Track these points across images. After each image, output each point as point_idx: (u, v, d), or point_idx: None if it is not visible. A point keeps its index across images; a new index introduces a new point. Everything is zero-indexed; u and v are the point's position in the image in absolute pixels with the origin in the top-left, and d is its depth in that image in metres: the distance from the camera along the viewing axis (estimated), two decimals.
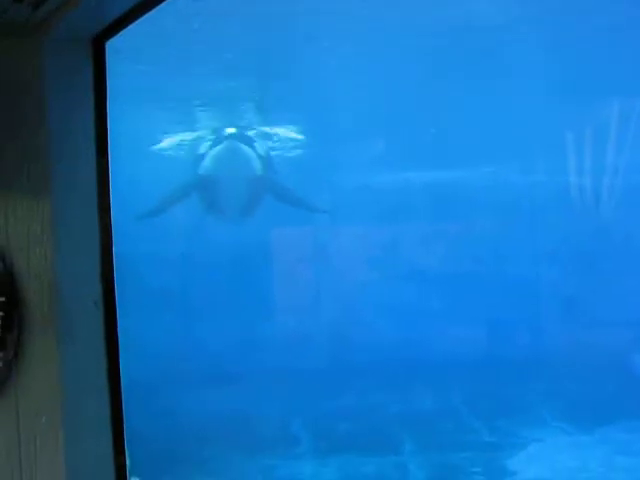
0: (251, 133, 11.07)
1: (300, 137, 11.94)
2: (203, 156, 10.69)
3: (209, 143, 10.90)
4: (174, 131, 11.75)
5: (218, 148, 10.57)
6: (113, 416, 1.41)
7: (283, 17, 7.90)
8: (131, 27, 1.43)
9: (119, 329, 1.42)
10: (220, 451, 7.78)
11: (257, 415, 8.71)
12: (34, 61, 1.30)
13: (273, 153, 11.36)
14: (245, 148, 10.60)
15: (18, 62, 1.29)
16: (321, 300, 11.45)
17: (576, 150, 11.81)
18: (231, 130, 10.79)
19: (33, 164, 1.31)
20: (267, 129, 11.40)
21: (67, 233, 1.35)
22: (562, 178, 12.13)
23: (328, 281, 11.51)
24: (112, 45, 1.50)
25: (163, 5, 1.36)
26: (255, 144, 10.70)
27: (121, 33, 1.50)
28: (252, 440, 8.09)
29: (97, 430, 1.40)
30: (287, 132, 11.69)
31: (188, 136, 11.71)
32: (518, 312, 11.39)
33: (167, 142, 11.96)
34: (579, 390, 9.55)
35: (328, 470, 7.44)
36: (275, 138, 11.62)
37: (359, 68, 9.34)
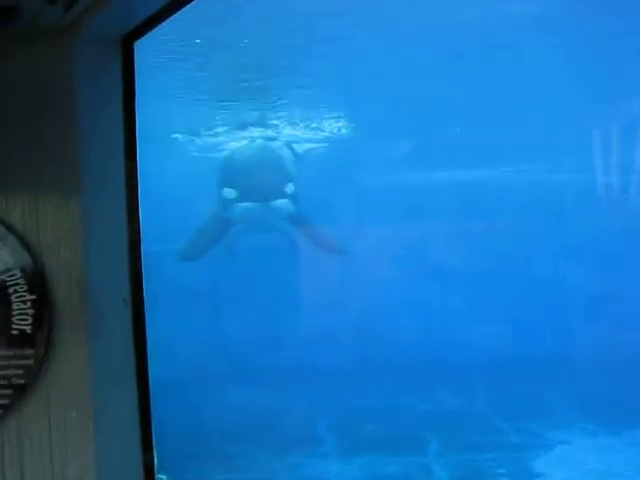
0: (280, 131, 10.98)
1: (325, 135, 11.94)
2: (232, 157, 10.02)
3: (236, 143, 10.55)
4: (198, 129, 11.60)
5: (248, 149, 9.93)
6: (141, 413, 1.42)
7: (312, 15, 7.91)
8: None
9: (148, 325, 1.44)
10: (245, 449, 7.82)
11: (282, 413, 8.74)
12: (64, 62, 1.31)
13: (300, 151, 11.10)
14: (276, 148, 10.00)
15: (48, 64, 1.31)
16: (346, 299, 11.44)
17: (603, 148, 11.70)
18: (258, 129, 10.46)
19: (63, 164, 1.32)
20: (293, 128, 11.32)
21: (96, 232, 1.37)
22: (589, 176, 12.02)
23: (353, 280, 11.51)
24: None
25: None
26: (285, 145, 10.24)
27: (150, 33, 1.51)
28: (277, 438, 8.11)
29: (126, 426, 1.42)
30: (313, 131, 11.69)
31: (214, 134, 11.50)
32: (544, 311, 11.31)
33: (194, 140, 11.83)
34: (606, 391, 9.45)
35: (352, 469, 7.44)
36: (302, 137, 11.53)
37: (386, 67, 9.32)
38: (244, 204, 9.44)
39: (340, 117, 11.56)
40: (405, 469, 7.34)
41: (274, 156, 9.86)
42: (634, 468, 7.49)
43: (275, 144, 10.23)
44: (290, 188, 9.47)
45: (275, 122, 11.02)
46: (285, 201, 9.44)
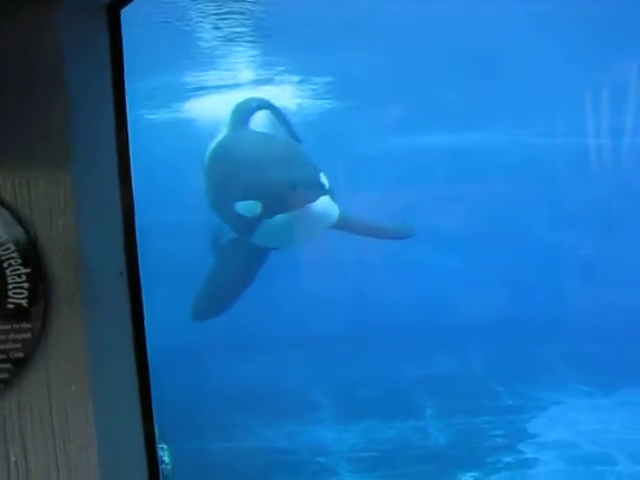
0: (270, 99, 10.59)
1: (316, 102, 11.86)
2: (230, 157, 7.36)
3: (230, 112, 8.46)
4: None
5: (245, 143, 7.50)
6: (141, 385, 1.43)
7: None
8: None
9: (145, 299, 1.44)
10: (243, 417, 7.89)
11: (280, 382, 8.80)
12: (49, 33, 1.29)
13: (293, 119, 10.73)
14: (272, 117, 7.87)
15: (33, 34, 1.29)
16: (341, 266, 11.47)
17: (595, 111, 11.67)
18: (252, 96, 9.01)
19: (53, 136, 1.31)
20: (282, 94, 11.17)
21: (89, 204, 1.36)
22: (582, 139, 12.01)
23: (348, 247, 11.53)
24: None
25: None
26: (279, 113, 8.03)
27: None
28: (275, 406, 8.18)
29: (126, 398, 1.42)
30: (303, 98, 11.60)
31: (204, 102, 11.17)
32: (538, 274, 11.37)
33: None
34: (600, 352, 9.56)
35: (350, 435, 7.52)
36: (291, 104, 11.39)
37: (376, 33, 9.23)
38: (277, 218, 6.62)
39: (329, 85, 11.47)
40: (402, 434, 7.42)
41: (286, 142, 7.48)
42: (627, 427, 7.60)
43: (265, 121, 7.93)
44: (325, 180, 6.93)
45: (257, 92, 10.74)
46: (327, 199, 6.85)
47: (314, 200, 6.61)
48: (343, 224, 7.20)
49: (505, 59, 10.39)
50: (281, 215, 6.61)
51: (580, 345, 9.64)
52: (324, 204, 6.81)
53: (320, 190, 6.72)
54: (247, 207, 6.77)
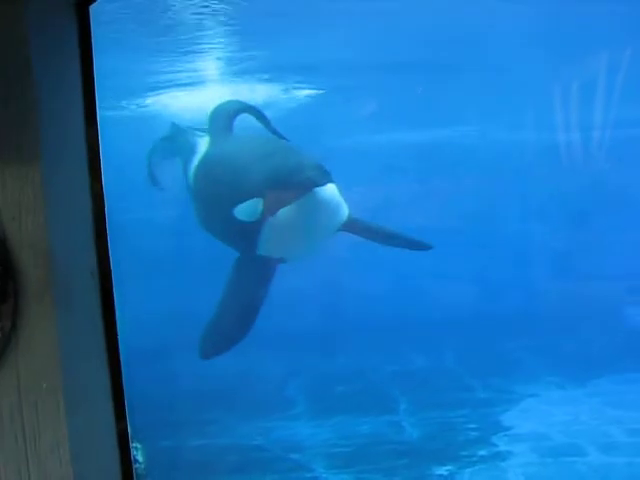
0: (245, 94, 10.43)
1: (285, 98, 11.84)
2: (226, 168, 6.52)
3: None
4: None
5: (234, 146, 6.86)
6: (113, 382, 1.42)
7: None
8: None
9: (116, 296, 1.43)
10: (218, 414, 7.86)
11: (253, 378, 8.79)
12: (17, 29, 1.27)
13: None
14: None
15: (1, 31, 1.27)
16: (313, 261, 11.47)
17: (564, 106, 11.79)
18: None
19: (22, 132, 1.29)
20: (256, 91, 11.12)
21: (59, 201, 1.34)
22: (551, 134, 12.13)
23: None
24: None
25: None
26: (260, 114, 7.19)
27: None
28: (249, 403, 8.17)
29: (97, 396, 1.41)
30: (273, 94, 11.57)
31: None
32: (509, 269, 11.47)
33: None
34: (571, 345, 9.67)
35: (324, 431, 7.53)
36: (265, 100, 11.35)
37: (347, 29, 9.23)
38: (282, 213, 5.86)
39: (300, 81, 11.46)
40: (377, 428, 7.45)
41: (277, 139, 6.71)
42: (598, 417, 7.70)
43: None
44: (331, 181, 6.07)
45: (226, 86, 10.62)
46: (334, 188, 6.12)
47: (321, 184, 5.76)
48: (353, 225, 6.49)
49: (476, 55, 10.46)
50: (286, 209, 5.80)
51: (552, 338, 9.74)
52: (332, 192, 6.04)
53: (326, 175, 5.85)
54: (247, 209, 5.97)
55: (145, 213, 10.62)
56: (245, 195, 6.00)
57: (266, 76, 11.11)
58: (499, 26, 9.35)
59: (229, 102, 8.05)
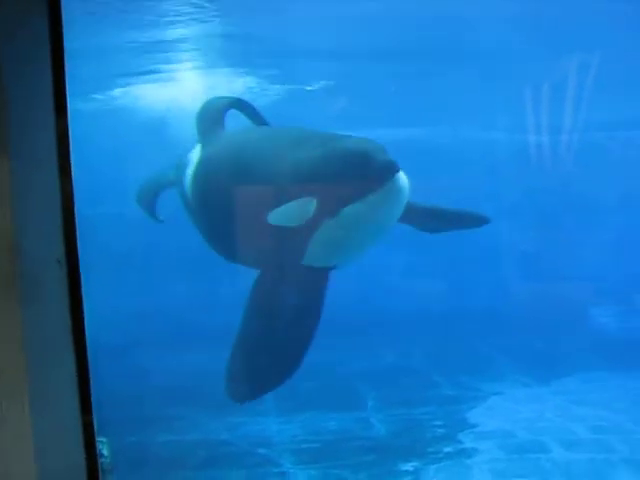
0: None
1: (258, 93, 11.79)
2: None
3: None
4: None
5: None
6: (79, 376, 1.41)
7: None
8: None
9: (84, 290, 1.42)
10: (185, 410, 7.83)
11: (221, 374, 8.76)
12: None
13: None
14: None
15: None
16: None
17: (535, 107, 11.90)
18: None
19: None
20: (230, 84, 11.03)
21: (27, 193, 1.33)
22: (521, 135, 12.24)
23: None
24: None
25: None
26: (253, 110, 6.49)
27: None
28: (217, 399, 8.14)
29: (63, 390, 1.40)
30: (246, 89, 11.52)
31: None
32: (478, 267, 11.56)
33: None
34: (537, 343, 9.80)
35: (292, 427, 7.53)
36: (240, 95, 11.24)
37: (318, 24, 9.22)
38: (348, 210, 4.66)
39: (272, 77, 11.42)
40: (344, 425, 7.47)
41: (292, 128, 5.70)
42: (562, 414, 7.81)
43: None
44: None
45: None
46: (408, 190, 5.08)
47: (396, 172, 4.63)
48: (410, 212, 5.47)
49: (448, 54, 10.51)
50: (353, 207, 4.55)
51: (518, 337, 9.85)
52: (404, 181, 4.99)
53: (395, 162, 4.66)
54: (289, 213, 4.66)
55: (116, 208, 10.53)
56: (284, 196, 4.68)
57: (241, 70, 11.06)
58: (472, 25, 9.40)
59: (217, 99, 6.93)
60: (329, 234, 4.75)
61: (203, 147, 6.02)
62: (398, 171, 4.75)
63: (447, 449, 6.85)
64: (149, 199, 7.77)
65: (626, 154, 12.33)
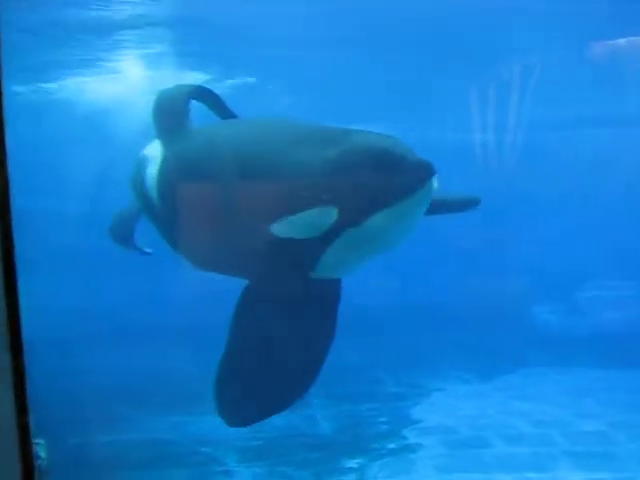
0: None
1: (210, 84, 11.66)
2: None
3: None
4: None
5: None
6: (15, 374, 1.36)
7: None
8: None
9: (20, 286, 1.37)
10: (127, 410, 7.71)
11: (164, 373, 8.65)
12: None
13: None
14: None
15: None
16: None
17: (480, 108, 12.06)
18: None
19: None
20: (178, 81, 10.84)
21: None
22: (465, 134, 12.39)
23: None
24: None
25: None
26: (218, 100, 5.47)
27: None
28: (160, 398, 8.04)
29: None
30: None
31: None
32: (419, 263, 11.66)
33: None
34: (479, 340, 9.94)
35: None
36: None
37: (261, 20, 9.15)
38: (377, 218, 4.05)
39: (221, 70, 11.31)
40: (290, 422, 7.46)
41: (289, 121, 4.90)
42: (504, 410, 7.95)
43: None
44: None
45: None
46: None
47: (432, 176, 4.04)
48: None
49: (391, 53, 10.58)
50: (380, 215, 3.96)
51: (460, 334, 9.98)
52: (435, 184, 4.27)
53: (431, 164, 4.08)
54: (306, 222, 3.98)
55: (54, 201, 10.29)
56: (292, 203, 3.96)
57: (189, 66, 10.91)
58: (414, 25, 9.47)
59: (179, 87, 6.04)
60: (348, 244, 4.14)
61: (166, 143, 5.24)
62: (435, 174, 4.10)
63: (391, 445, 6.90)
64: (124, 232, 6.98)
65: (567, 153, 12.62)
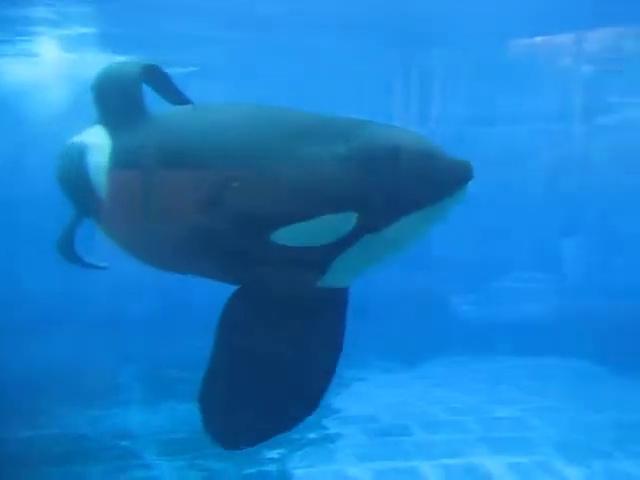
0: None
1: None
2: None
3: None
4: None
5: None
6: None
7: None
8: None
9: None
10: (47, 404, 7.56)
11: (85, 366, 8.52)
12: None
13: None
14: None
15: None
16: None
17: (405, 100, 12.19)
18: None
19: None
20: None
21: None
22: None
23: None
24: None
25: None
26: (168, 79, 4.74)
27: None
28: (80, 391, 7.91)
29: None
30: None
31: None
32: None
33: None
34: (400, 330, 10.10)
35: (158, 417, 7.43)
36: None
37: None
38: (402, 222, 3.53)
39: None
40: None
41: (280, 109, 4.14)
42: (423, 398, 8.13)
43: None
44: None
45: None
46: None
47: (469, 180, 3.47)
48: None
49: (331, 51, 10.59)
50: (410, 217, 3.47)
51: (381, 323, 10.10)
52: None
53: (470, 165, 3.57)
54: (319, 229, 3.43)
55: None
56: (296, 207, 3.39)
57: (111, 49, 10.61)
58: (338, 21, 9.49)
59: (124, 64, 4.88)
60: (363, 250, 3.60)
61: (115, 130, 4.38)
62: (473, 175, 3.55)
63: (312, 435, 6.96)
64: (70, 247, 6.00)
65: (484, 148, 12.86)
